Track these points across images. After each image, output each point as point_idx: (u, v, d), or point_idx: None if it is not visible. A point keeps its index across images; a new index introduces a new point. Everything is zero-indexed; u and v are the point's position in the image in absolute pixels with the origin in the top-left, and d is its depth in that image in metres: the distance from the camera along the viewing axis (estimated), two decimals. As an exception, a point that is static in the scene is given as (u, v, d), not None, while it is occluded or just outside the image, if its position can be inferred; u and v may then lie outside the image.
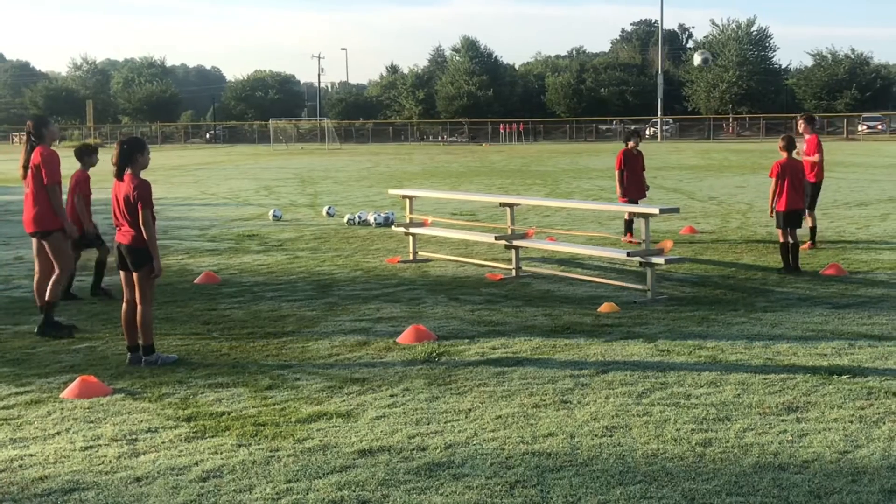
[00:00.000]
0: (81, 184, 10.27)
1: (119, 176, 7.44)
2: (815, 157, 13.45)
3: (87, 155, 10.50)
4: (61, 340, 8.37)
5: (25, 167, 8.90)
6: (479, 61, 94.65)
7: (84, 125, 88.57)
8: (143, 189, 7.42)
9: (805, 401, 6.22)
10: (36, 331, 8.59)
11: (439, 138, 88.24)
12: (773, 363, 7.21)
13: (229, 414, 6.17)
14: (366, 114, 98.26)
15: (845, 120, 76.81)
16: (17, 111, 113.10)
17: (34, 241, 9.03)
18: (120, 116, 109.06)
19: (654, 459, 5.20)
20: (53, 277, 8.68)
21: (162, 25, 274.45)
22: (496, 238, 11.91)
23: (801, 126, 13.83)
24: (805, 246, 12.81)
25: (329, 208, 19.68)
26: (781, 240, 11.46)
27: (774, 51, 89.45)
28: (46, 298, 8.66)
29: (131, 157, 7.46)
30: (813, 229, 13.35)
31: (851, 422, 5.78)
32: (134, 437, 5.77)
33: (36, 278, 8.94)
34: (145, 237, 7.39)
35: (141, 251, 7.43)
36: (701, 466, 5.09)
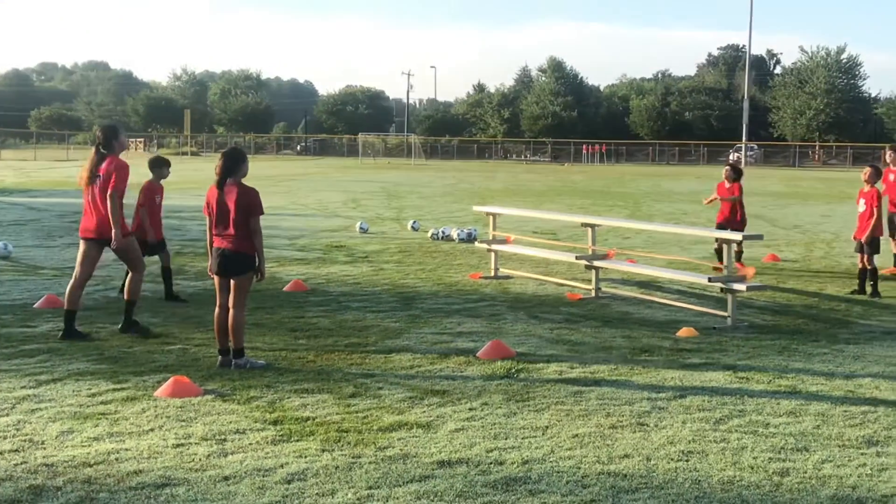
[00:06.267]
0: (147, 193, 10.68)
1: (220, 185, 7.73)
2: None
3: (158, 167, 10.92)
4: (154, 340, 8.74)
5: (92, 175, 8.72)
6: (565, 82, 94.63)
7: (182, 134, 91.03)
8: (255, 197, 7.74)
9: (886, 435, 6.17)
10: (119, 328, 8.98)
11: (522, 157, 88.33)
12: (855, 395, 7.15)
13: (314, 419, 6.38)
14: (452, 131, 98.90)
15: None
16: (120, 118, 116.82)
17: (83, 244, 8.88)
18: (215, 126, 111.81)
19: (730, 486, 5.23)
20: (131, 276, 8.97)
21: (259, 39, 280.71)
22: (577, 258, 11.98)
23: (888, 156, 14.08)
24: (890, 269, 13.43)
25: (413, 222, 19.96)
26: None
27: (864, 79, 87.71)
28: (126, 297, 9.01)
29: (238, 166, 7.80)
30: None
31: (933, 458, 5.73)
32: (223, 437, 6.01)
33: (71, 283, 8.90)
34: (254, 243, 7.70)
35: (246, 256, 7.74)
36: (777, 496, 5.10)
